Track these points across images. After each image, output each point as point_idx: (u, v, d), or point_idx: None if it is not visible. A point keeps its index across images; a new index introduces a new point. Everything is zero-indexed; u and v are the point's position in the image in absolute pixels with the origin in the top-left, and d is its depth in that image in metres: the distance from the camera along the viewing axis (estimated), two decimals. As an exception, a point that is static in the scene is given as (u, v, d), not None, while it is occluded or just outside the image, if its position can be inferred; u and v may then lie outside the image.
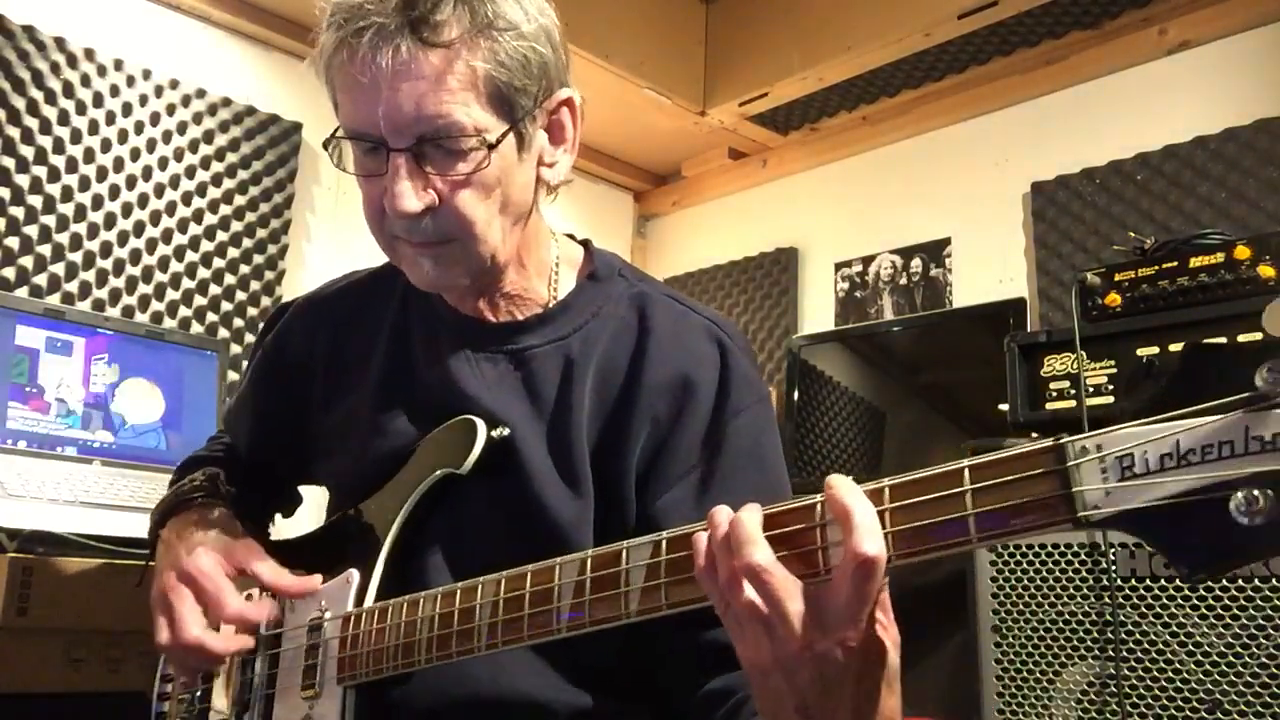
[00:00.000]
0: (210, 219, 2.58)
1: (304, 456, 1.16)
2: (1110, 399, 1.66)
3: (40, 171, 2.31)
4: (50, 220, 2.31)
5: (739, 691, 0.88)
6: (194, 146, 2.57)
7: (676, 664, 0.94)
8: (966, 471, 0.61)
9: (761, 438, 1.01)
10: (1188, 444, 0.54)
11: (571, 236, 1.14)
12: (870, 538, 0.61)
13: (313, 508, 1.26)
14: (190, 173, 2.56)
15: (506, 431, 0.97)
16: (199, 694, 1.12)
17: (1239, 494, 0.52)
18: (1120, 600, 1.44)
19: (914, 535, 0.63)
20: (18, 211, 2.26)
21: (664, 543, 0.73)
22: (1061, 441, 0.58)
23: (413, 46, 0.87)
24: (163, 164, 2.51)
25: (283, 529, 1.33)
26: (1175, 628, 1.39)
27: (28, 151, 2.29)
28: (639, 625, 0.76)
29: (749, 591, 0.65)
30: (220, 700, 1.08)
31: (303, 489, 1.33)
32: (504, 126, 0.92)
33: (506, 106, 0.92)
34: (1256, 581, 1.34)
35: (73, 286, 2.33)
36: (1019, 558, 1.56)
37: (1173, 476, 0.55)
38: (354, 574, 0.99)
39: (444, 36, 0.87)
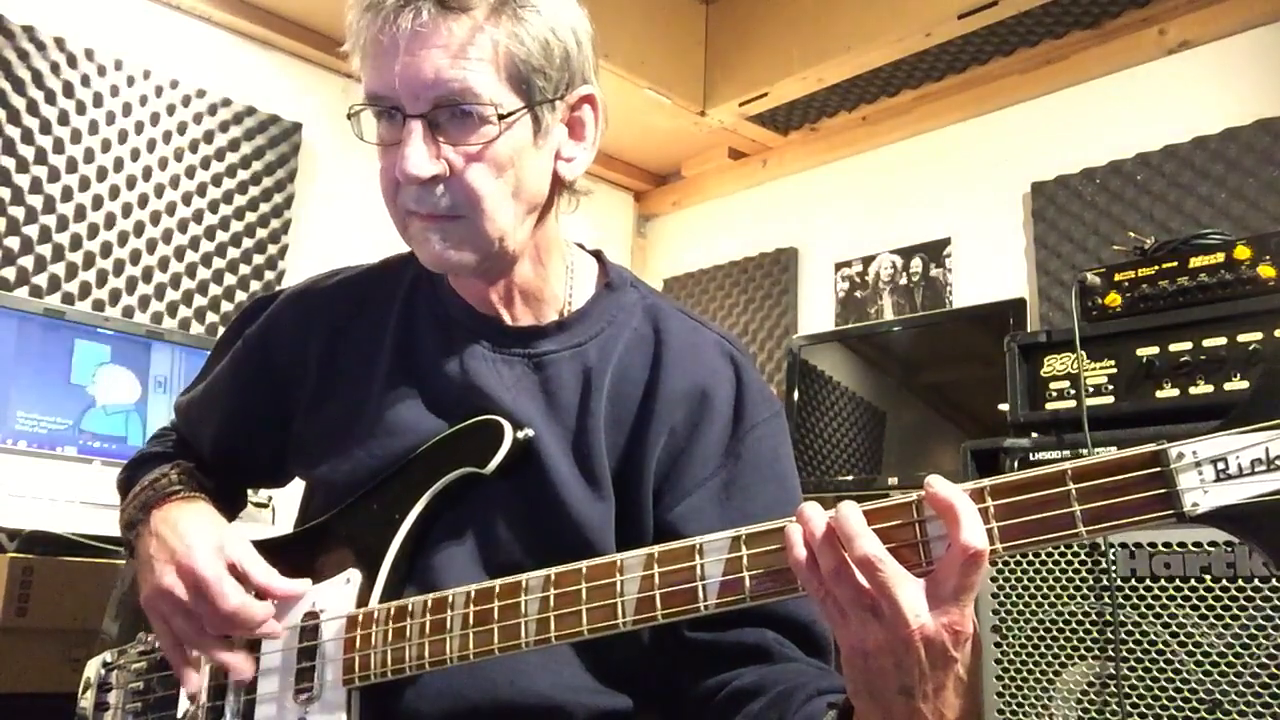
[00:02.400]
0: (210, 219, 2.58)
1: (280, 453, 1.13)
2: (1110, 399, 1.67)
3: (40, 171, 2.31)
4: (50, 220, 2.31)
5: (775, 686, 0.88)
6: (194, 146, 2.58)
7: (694, 662, 0.94)
8: (1069, 472, 0.68)
9: (779, 450, 1.04)
10: (1277, 450, 0.62)
11: (581, 246, 1.14)
12: (977, 531, 0.67)
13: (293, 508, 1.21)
14: (190, 173, 2.56)
15: (531, 433, 0.97)
16: (159, 700, 1.06)
17: None
18: (1120, 600, 1.44)
19: (1021, 528, 0.69)
20: (18, 211, 2.27)
21: (744, 538, 0.77)
22: (1162, 447, 0.66)
23: (435, 11, 0.89)
24: (163, 164, 2.51)
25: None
26: (1175, 628, 1.39)
27: (28, 151, 2.29)
28: (660, 624, 0.78)
29: (860, 580, 0.69)
30: (186, 708, 1.03)
31: (277, 494, 1.29)
32: (520, 105, 0.93)
33: (524, 86, 0.93)
34: (1256, 581, 1.34)
35: (73, 286, 2.33)
36: (1019, 558, 1.56)
37: (1265, 478, 0.62)
38: (354, 574, 0.97)
39: (467, 4, 0.90)
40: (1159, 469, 0.65)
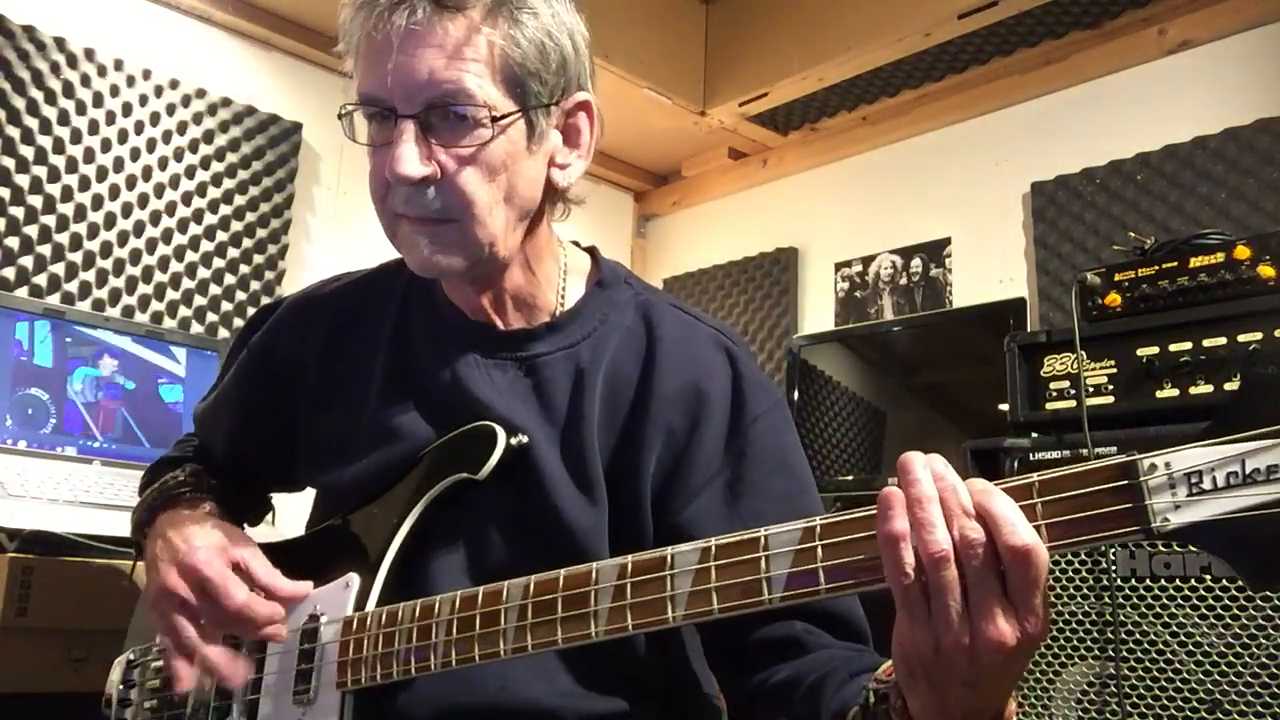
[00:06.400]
0: (210, 219, 2.58)
1: (288, 460, 1.14)
2: (1110, 399, 1.66)
3: (40, 171, 2.31)
4: (50, 220, 2.31)
5: (809, 675, 0.87)
6: (194, 146, 2.57)
7: (727, 663, 0.94)
8: (1036, 485, 0.65)
9: (783, 439, 1.02)
10: (1253, 464, 0.59)
11: (576, 244, 1.14)
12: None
13: (299, 512, 1.22)
14: (190, 173, 2.56)
15: (525, 439, 0.97)
16: (172, 699, 1.07)
17: None
18: (1120, 600, 1.44)
19: None
20: (18, 211, 2.26)
21: (713, 548, 0.74)
22: (1133, 458, 0.62)
23: (430, 10, 0.88)
24: (163, 164, 2.51)
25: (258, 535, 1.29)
26: (1175, 628, 1.39)
27: (28, 151, 2.29)
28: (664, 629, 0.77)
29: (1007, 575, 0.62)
30: (196, 706, 1.05)
31: (276, 496, 1.30)
32: (514, 109, 0.93)
33: (518, 90, 0.93)
34: (1256, 582, 1.34)
35: (73, 286, 2.33)
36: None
37: (1240, 493, 0.59)
38: (354, 578, 0.98)
39: (463, 4, 0.89)
40: (1128, 481, 0.62)
